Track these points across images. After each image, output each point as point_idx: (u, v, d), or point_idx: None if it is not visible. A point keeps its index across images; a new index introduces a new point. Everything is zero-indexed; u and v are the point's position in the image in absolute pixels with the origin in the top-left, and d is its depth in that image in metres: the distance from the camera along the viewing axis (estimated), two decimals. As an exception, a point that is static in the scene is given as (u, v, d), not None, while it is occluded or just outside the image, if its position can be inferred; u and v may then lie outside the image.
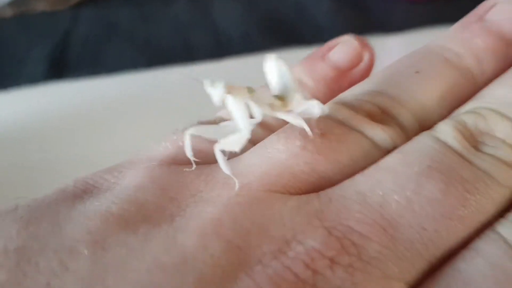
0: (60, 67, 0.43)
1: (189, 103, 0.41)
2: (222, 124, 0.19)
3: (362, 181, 0.17)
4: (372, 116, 0.18)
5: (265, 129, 0.20)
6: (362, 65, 0.22)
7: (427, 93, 0.19)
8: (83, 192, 0.17)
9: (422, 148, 0.17)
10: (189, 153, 0.18)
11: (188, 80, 0.43)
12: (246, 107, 0.17)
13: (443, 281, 0.15)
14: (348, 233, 0.15)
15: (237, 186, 0.16)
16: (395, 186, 0.16)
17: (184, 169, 0.18)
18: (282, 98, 0.19)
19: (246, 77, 0.44)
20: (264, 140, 0.18)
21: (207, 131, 0.19)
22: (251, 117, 0.18)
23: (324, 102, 0.18)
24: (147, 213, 0.16)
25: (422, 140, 0.17)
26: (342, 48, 0.22)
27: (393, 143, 0.18)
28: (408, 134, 0.18)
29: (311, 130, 0.17)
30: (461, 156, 0.17)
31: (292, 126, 0.18)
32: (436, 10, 0.47)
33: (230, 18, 0.48)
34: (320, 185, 0.17)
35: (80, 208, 0.16)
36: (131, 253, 0.15)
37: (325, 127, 0.18)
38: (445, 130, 0.17)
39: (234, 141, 0.17)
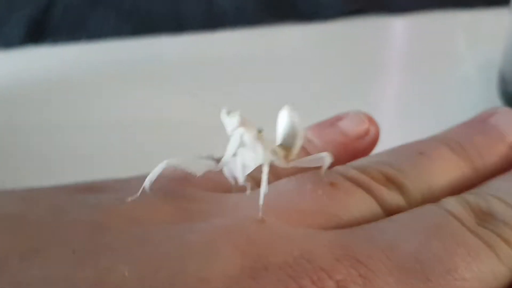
0: (39, 31, 0.40)
1: (174, 74, 0.40)
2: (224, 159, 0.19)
3: (371, 227, 0.17)
4: (379, 181, 0.19)
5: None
6: (368, 138, 0.23)
7: (430, 171, 0.20)
8: (85, 189, 0.18)
9: (430, 212, 0.18)
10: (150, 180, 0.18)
11: (175, 51, 0.42)
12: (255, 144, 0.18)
13: None
14: (356, 265, 0.15)
15: (260, 208, 0.17)
16: (405, 236, 0.17)
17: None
18: (286, 148, 0.19)
19: (238, 51, 0.42)
20: (274, 182, 0.19)
21: (185, 163, 0.18)
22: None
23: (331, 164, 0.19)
24: (157, 216, 0.17)
25: (429, 207, 0.18)
26: (352, 118, 0.23)
27: (397, 206, 0.19)
28: (411, 202, 0.19)
29: (321, 180, 0.18)
30: (464, 225, 0.17)
31: (303, 174, 0.19)
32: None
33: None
34: (328, 226, 0.17)
35: (81, 197, 0.17)
36: (133, 239, 0.15)
37: (334, 180, 0.19)
38: (451, 203, 0.18)
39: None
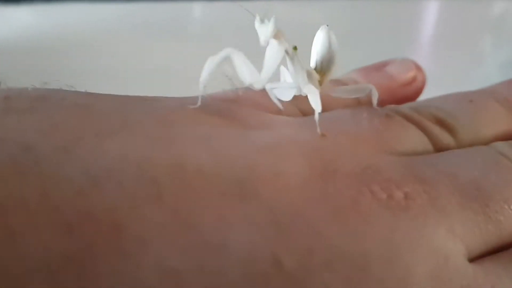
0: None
1: (204, 37, 0.40)
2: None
3: (431, 157, 0.18)
4: (431, 121, 0.19)
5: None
6: (415, 84, 0.23)
7: (479, 118, 0.20)
8: (140, 98, 0.18)
9: (482, 150, 0.18)
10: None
11: (207, 17, 0.42)
12: (280, 58, 0.17)
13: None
14: (422, 182, 0.16)
15: (318, 124, 0.16)
16: (465, 166, 0.17)
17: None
18: (320, 72, 0.18)
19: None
20: (328, 111, 0.19)
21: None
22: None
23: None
24: (218, 122, 0.17)
25: (480, 147, 0.19)
26: (399, 64, 0.23)
27: (447, 146, 0.19)
28: (460, 144, 0.19)
29: (376, 110, 0.18)
30: None
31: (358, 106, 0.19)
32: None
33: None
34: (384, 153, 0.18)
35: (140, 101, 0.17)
36: (201, 135, 0.15)
37: (389, 113, 0.19)
38: (500, 145, 0.19)
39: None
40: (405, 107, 0.20)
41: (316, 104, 0.16)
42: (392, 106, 0.20)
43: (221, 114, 0.17)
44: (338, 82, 0.21)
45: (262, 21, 0.17)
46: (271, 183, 0.14)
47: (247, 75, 0.16)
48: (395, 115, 0.19)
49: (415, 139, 0.18)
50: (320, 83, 0.18)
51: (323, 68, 0.18)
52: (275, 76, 0.18)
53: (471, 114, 0.20)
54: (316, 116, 0.16)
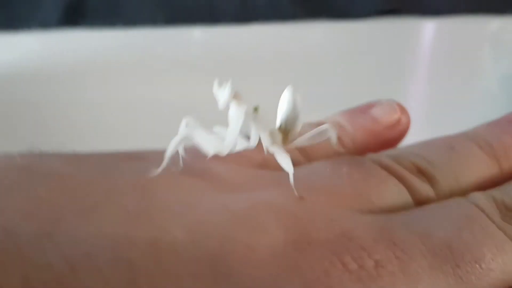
0: (74, 15, 0.41)
1: (204, 65, 0.40)
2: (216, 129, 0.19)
3: (406, 214, 0.18)
4: (411, 171, 0.20)
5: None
6: (399, 127, 0.23)
7: (459, 166, 0.20)
8: (126, 156, 0.19)
9: (459, 204, 0.19)
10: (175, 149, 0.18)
11: (207, 43, 0.42)
12: (242, 121, 0.17)
13: None
14: (393, 247, 0.16)
15: (293, 186, 0.17)
16: (438, 225, 0.17)
17: None
18: (285, 131, 0.19)
19: (270, 45, 0.43)
20: (309, 164, 0.20)
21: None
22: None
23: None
24: (199, 185, 0.17)
25: (458, 200, 0.19)
26: (384, 106, 0.23)
27: (427, 197, 0.19)
28: (440, 194, 0.20)
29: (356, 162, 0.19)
30: (491, 219, 0.18)
31: (338, 158, 0.20)
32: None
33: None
34: (362, 210, 0.18)
35: (124, 163, 0.18)
36: (182, 204, 0.16)
37: (369, 168, 0.19)
38: (478, 197, 0.19)
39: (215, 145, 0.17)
40: (385, 156, 0.20)
41: (286, 165, 0.17)
42: (374, 156, 0.20)
43: (201, 175, 0.18)
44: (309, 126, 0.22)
45: (220, 85, 0.17)
46: (244, 258, 0.15)
47: (210, 147, 0.17)
48: (375, 167, 0.19)
49: (394, 193, 0.19)
50: (285, 140, 0.18)
51: (288, 126, 0.18)
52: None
53: (452, 162, 0.20)
54: (291, 178, 0.17)
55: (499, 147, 0.21)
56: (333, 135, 0.18)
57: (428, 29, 0.43)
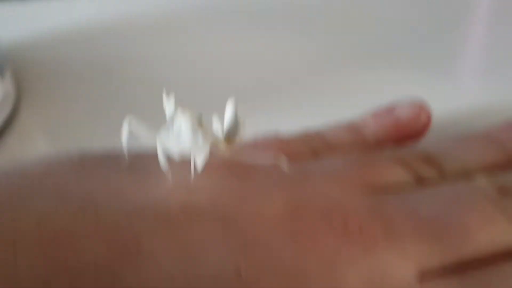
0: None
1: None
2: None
3: (403, 194, 0.20)
4: (417, 158, 0.21)
5: None
6: (419, 124, 0.25)
7: (464, 151, 0.22)
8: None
9: (458, 184, 0.20)
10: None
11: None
12: (191, 126, 0.18)
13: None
14: (381, 220, 0.18)
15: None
16: (431, 202, 0.19)
17: None
18: (229, 139, 0.20)
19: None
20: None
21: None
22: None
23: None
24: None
25: (459, 182, 0.20)
26: (406, 106, 0.26)
27: (430, 182, 0.21)
28: (444, 176, 0.21)
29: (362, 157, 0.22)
30: (485, 195, 0.19)
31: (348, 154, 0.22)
32: None
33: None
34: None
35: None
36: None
37: (377, 155, 0.22)
38: (477, 176, 0.20)
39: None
40: (396, 149, 0.22)
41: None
42: (386, 150, 0.23)
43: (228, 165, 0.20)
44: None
45: (166, 96, 0.18)
46: (254, 221, 0.18)
47: (176, 150, 0.19)
48: (383, 155, 0.21)
49: (398, 176, 0.20)
50: (227, 148, 0.20)
51: (230, 135, 0.19)
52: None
53: (457, 149, 0.23)
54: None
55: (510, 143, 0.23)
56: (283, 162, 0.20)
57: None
